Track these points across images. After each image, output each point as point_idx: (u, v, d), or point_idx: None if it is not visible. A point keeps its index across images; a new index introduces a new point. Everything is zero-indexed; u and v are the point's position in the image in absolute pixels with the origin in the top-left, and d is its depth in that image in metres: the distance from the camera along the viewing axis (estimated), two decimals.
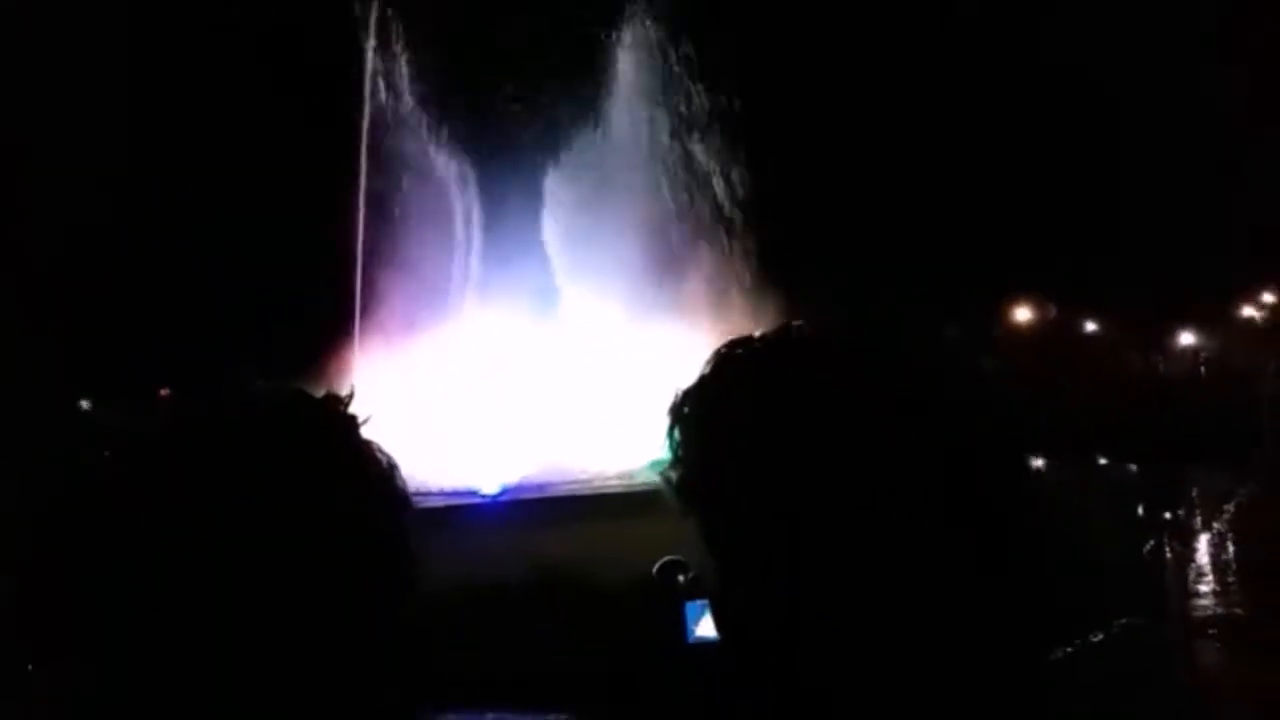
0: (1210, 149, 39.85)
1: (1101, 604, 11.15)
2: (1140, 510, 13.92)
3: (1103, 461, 23.52)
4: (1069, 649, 11.12)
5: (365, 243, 37.25)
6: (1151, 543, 12.03)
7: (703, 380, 1.72)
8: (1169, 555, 12.39)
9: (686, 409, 1.72)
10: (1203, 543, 18.29)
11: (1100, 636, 10.71)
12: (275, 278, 37.66)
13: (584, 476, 36.71)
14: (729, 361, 1.71)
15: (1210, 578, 16.86)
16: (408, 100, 37.72)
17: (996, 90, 42.75)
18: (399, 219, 37.62)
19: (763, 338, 1.71)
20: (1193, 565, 17.26)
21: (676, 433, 1.72)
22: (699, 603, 7.73)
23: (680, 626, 7.79)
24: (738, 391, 1.66)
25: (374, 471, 1.75)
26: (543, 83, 36.08)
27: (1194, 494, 21.24)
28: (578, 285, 36.73)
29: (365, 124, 36.19)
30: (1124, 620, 9.98)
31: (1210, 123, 39.17)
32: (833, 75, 41.35)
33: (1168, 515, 12.36)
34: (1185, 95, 39.08)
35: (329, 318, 34.98)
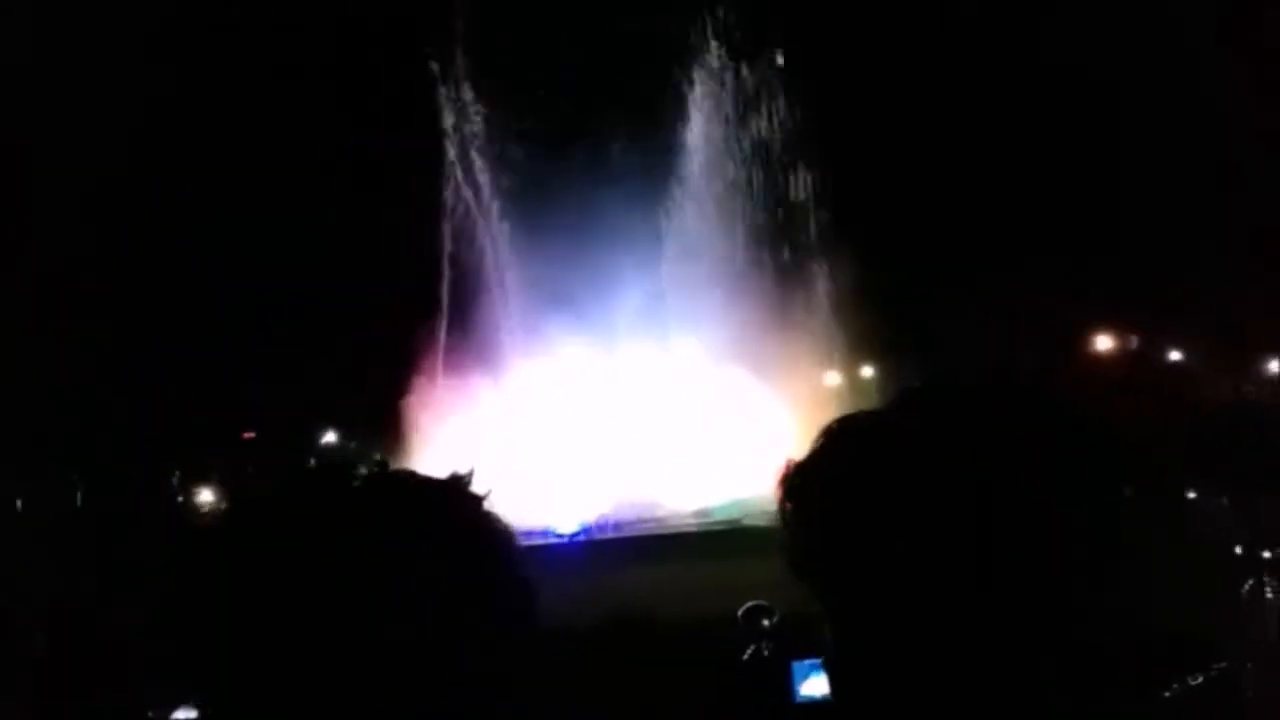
0: None
1: (1198, 647, 10.80)
2: (1238, 549, 13.50)
3: (1192, 495, 22.84)
4: (1166, 693, 10.76)
5: (444, 290, 37.76)
6: (1250, 582, 11.64)
7: (820, 457, 1.80)
8: (1270, 595, 11.94)
9: (799, 481, 1.80)
10: None
11: (1199, 679, 10.35)
12: (352, 321, 38.20)
13: (661, 514, 36.38)
14: (843, 441, 1.78)
15: None
16: (481, 172, 38.23)
17: (1073, 122, 42.34)
18: (474, 273, 38.12)
19: (872, 417, 1.79)
20: None
21: (789, 503, 1.79)
22: (808, 662, 7.57)
23: (786, 684, 7.65)
24: (853, 475, 1.73)
25: (496, 548, 1.84)
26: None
27: None
28: (659, 330, 37.08)
29: (447, 201, 36.77)
30: (1223, 664, 9.63)
31: None
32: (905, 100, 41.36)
33: (1267, 554, 11.93)
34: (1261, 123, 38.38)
35: (406, 364, 35.54)
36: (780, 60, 37.59)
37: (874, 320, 37.67)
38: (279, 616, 1.63)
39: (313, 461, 39.16)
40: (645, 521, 33.82)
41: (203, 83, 38.41)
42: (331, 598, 1.65)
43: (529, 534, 33.19)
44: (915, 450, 1.71)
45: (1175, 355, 43.77)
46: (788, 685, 8.03)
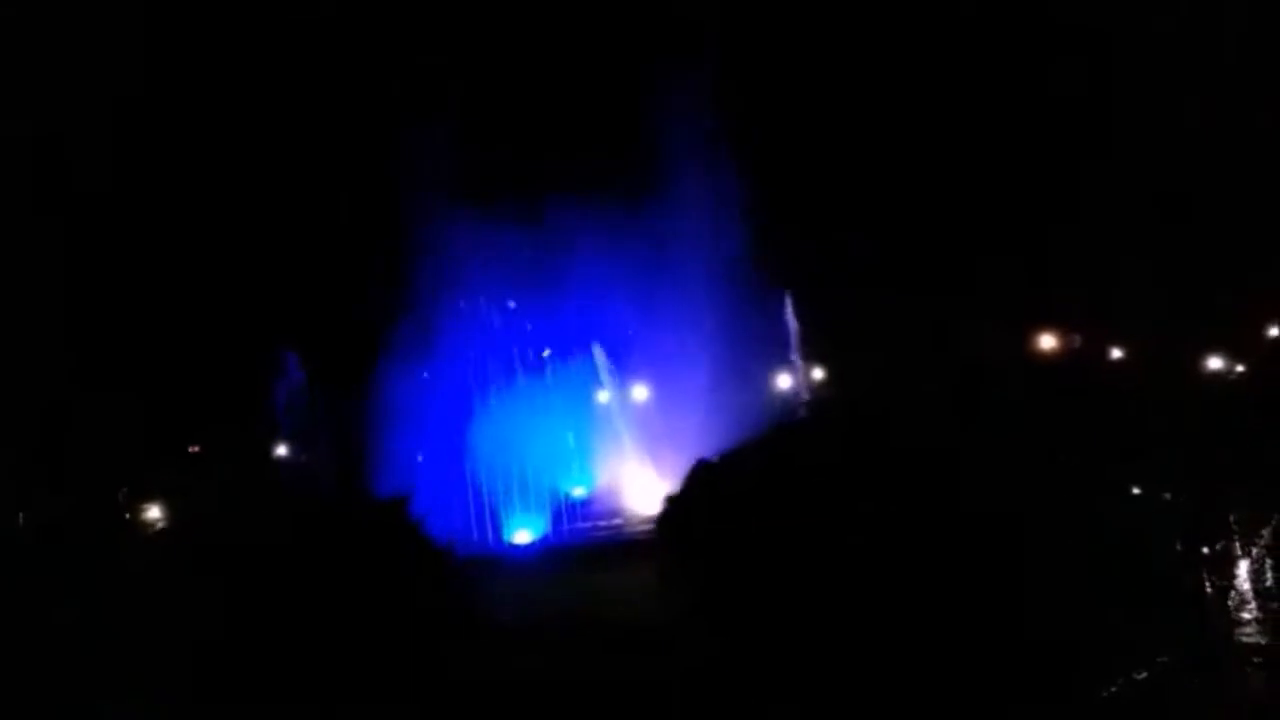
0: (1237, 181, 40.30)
1: (1144, 641, 11.04)
2: (1178, 545, 13.84)
3: (1136, 491, 23.32)
4: (1113, 687, 11.00)
5: None
6: (1191, 577, 11.98)
7: (680, 494, 1.99)
8: (1209, 589, 12.26)
9: (666, 513, 2.01)
10: (1243, 570, 18.07)
11: (1144, 674, 10.58)
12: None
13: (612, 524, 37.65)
14: (696, 479, 1.99)
15: (1253, 605, 16.64)
16: None
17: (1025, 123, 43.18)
18: None
19: (718, 463, 1.99)
20: (1234, 594, 17.04)
21: (658, 531, 1.98)
22: None
23: None
24: (701, 505, 1.92)
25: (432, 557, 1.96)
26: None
27: (1233, 520, 21.03)
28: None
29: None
30: (1165, 658, 9.85)
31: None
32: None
33: (1205, 550, 12.26)
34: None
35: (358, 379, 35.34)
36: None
37: (826, 324, 38.39)
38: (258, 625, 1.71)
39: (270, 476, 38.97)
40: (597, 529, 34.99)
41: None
42: (302, 612, 1.74)
43: (485, 544, 34.28)
44: (752, 489, 1.85)
45: (1117, 353, 44.65)
46: None
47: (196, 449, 41.06)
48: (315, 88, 38.74)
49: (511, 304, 39.20)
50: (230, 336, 38.96)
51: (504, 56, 38.54)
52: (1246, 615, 15.76)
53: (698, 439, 33.93)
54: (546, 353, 38.91)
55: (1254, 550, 18.56)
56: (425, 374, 38.39)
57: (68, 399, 37.03)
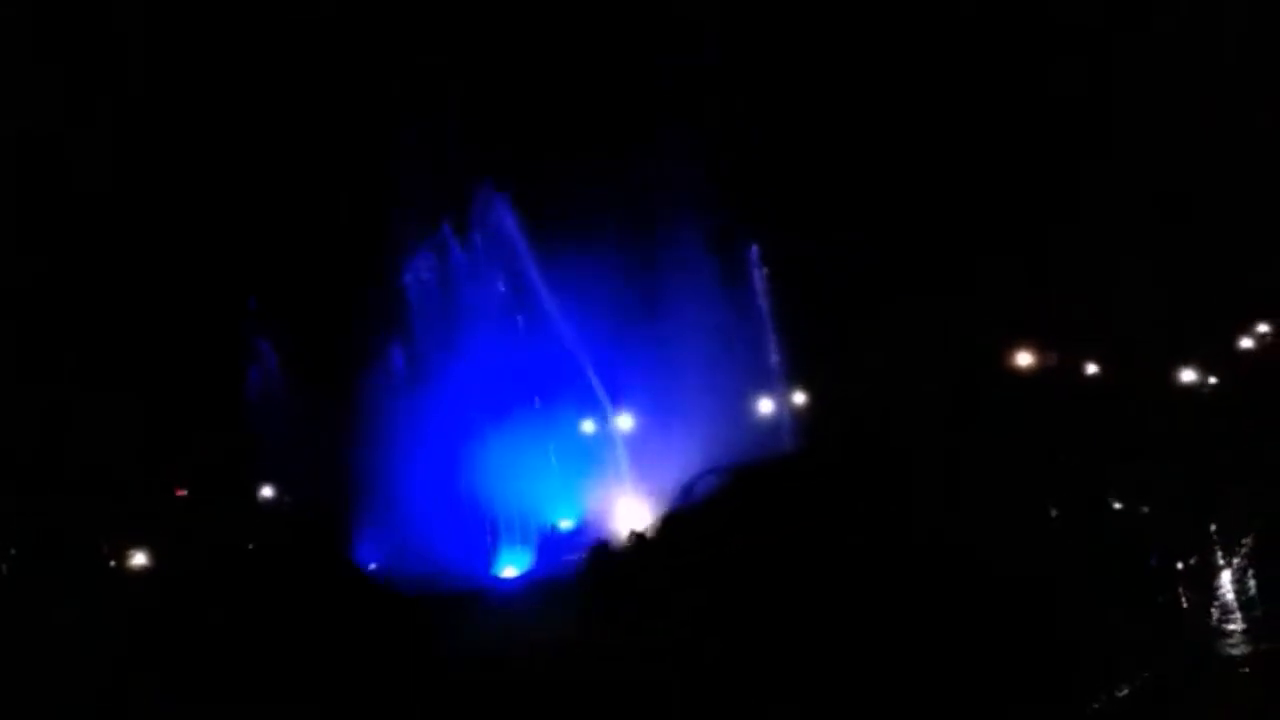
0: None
1: (1124, 657, 11.20)
2: (1153, 561, 14.05)
3: (1117, 506, 23.55)
4: (1096, 704, 11.14)
5: None
6: (1164, 595, 12.17)
7: (646, 535, 2.23)
8: (1185, 604, 12.46)
9: (638, 549, 2.25)
10: (1225, 581, 18.25)
11: (1125, 691, 10.74)
12: None
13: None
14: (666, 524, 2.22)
15: (1238, 615, 16.80)
16: None
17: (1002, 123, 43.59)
18: None
19: (679, 512, 2.22)
20: (1217, 605, 17.20)
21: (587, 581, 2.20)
22: None
23: None
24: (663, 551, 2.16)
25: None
26: None
27: (1213, 530, 21.23)
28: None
29: None
30: (1146, 674, 10.00)
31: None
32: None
33: (1180, 565, 12.45)
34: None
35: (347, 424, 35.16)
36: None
37: (806, 350, 38.65)
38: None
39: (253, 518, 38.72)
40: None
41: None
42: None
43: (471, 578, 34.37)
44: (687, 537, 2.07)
45: (1092, 369, 45.04)
46: None
47: (183, 492, 40.76)
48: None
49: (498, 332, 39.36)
50: (213, 361, 38.95)
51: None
52: (1231, 626, 15.91)
53: (684, 466, 34.09)
54: (536, 401, 39.15)
55: (1235, 560, 18.75)
56: (413, 406, 38.40)
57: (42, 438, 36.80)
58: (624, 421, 42.07)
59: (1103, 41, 41.30)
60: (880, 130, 42.82)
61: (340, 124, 39.26)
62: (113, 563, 36.19)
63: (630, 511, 37.42)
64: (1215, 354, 42.87)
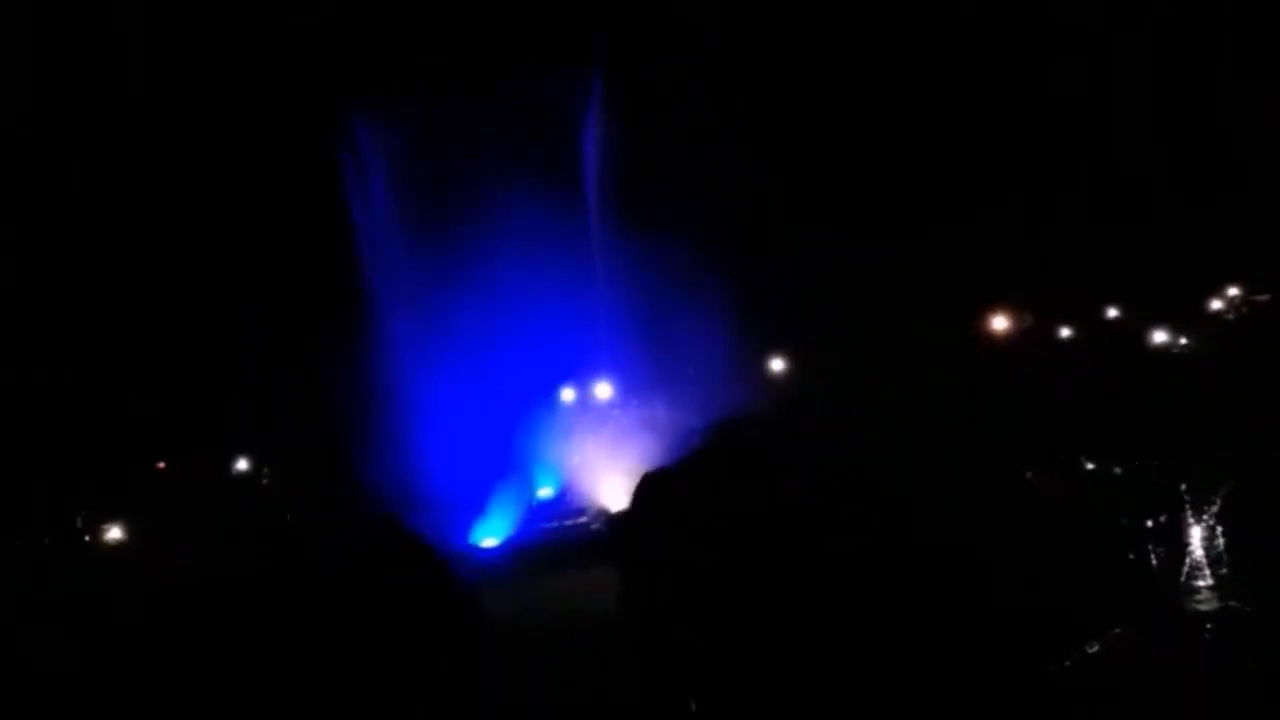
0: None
1: (1093, 615, 11.36)
2: (1123, 521, 14.25)
3: (1090, 466, 23.81)
4: (1067, 662, 11.31)
5: None
6: (1134, 553, 12.35)
7: (632, 508, 2.22)
8: (1154, 561, 12.65)
9: (619, 523, 2.26)
10: (1195, 538, 18.56)
11: (1095, 648, 10.88)
12: None
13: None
14: (647, 488, 2.21)
15: (1207, 572, 17.12)
16: None
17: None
18: None
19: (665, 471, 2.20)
20: (1188, 563, 17.50)
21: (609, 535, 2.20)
22: None
23: None
24: (654, 516, 2.15)
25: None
26: None
27: (1184, 489, 21.53)
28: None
29: None
30: (1116, 630, 10.14)
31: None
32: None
33: (1150, 523, 12.63)
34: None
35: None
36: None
37: (799, 313, 38.92)
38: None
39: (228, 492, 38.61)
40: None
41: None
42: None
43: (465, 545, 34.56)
44: (694, 497, 2.06)
45: (1065, 331, 45.38)
46: None
47: (163, 466, 40.45)
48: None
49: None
50: (200, 328, 38.77)
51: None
52: (1200, 583, 16.21)
53: (662, 433, 34.23)
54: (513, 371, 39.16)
55: (1205, 519, 19.05)
56: (383, 378, 38.31)
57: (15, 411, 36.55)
58: (602, 390, 42.15)
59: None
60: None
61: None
62: (87, 537, 36.03)
63: (611, 480, 37.57)
64: (1186, 315, 43.30)
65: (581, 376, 41.59)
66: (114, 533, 35.79)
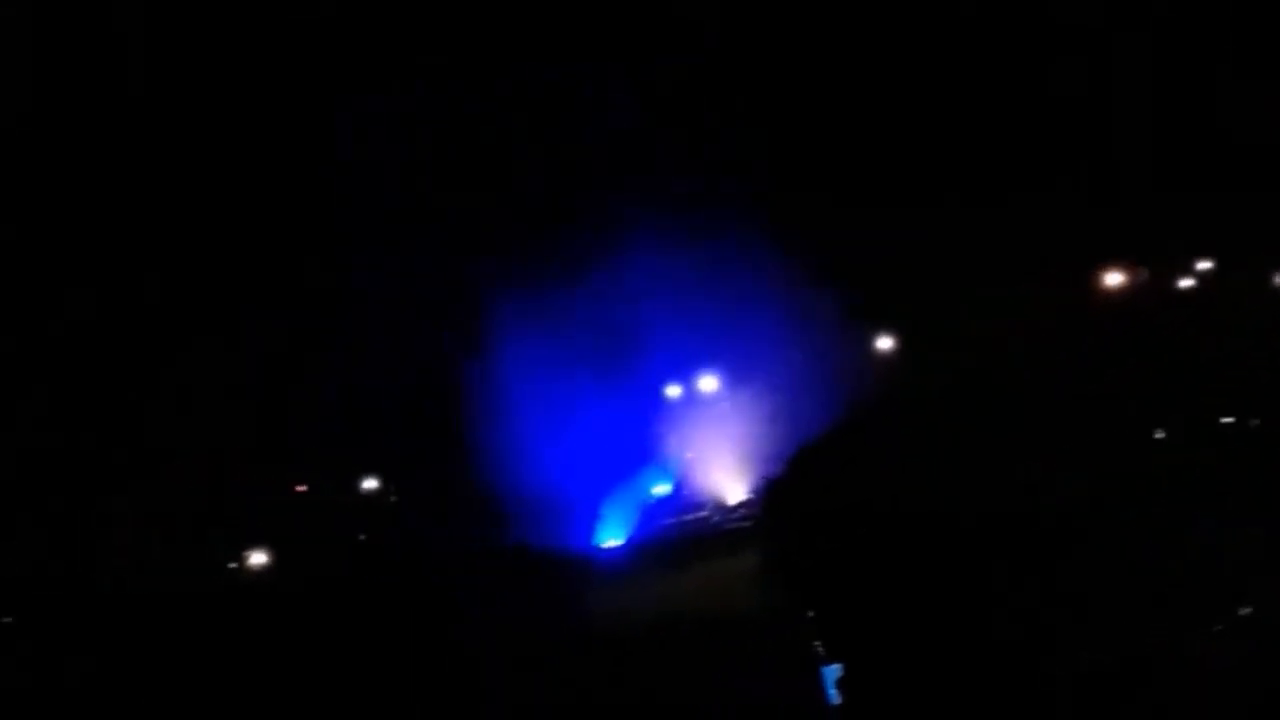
0: None
1: (1230, 592, 10.83)
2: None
3: (1227, 420, 22.80)
4: (1218, 627, 10.86)
5: None
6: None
7: (782, 477, 2.35)
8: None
9: (770, 499, 2.37)
10: None
11: (1220, 627, 10.38)
12: None
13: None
14: (799, 462, 2.34)
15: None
16: None
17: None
18: None
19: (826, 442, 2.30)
20: None
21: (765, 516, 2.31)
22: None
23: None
24: (812, 495, 2.26)
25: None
26: None
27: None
28: None
29: None
30: (1248, 609, 9.69)
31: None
32: None
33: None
34: None
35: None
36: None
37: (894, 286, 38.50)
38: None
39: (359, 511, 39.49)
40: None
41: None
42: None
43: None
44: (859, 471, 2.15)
45: (1187, 281, 43.72)
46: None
47: (304, 488, 40.97)
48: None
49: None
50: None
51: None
52: None
53: (774, 427, 34.13)
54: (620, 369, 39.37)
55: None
56: (505, 379, 38.64)
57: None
58: (710, 383, 42.03)
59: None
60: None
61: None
62: (232, 564, 37.03)
63: (726, 472, 37.60)
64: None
65: (686, 371, 41.58)
66: (258, 556, 36.80)
